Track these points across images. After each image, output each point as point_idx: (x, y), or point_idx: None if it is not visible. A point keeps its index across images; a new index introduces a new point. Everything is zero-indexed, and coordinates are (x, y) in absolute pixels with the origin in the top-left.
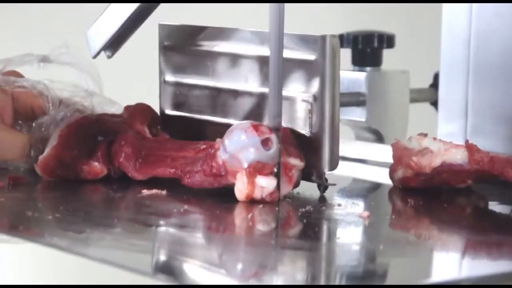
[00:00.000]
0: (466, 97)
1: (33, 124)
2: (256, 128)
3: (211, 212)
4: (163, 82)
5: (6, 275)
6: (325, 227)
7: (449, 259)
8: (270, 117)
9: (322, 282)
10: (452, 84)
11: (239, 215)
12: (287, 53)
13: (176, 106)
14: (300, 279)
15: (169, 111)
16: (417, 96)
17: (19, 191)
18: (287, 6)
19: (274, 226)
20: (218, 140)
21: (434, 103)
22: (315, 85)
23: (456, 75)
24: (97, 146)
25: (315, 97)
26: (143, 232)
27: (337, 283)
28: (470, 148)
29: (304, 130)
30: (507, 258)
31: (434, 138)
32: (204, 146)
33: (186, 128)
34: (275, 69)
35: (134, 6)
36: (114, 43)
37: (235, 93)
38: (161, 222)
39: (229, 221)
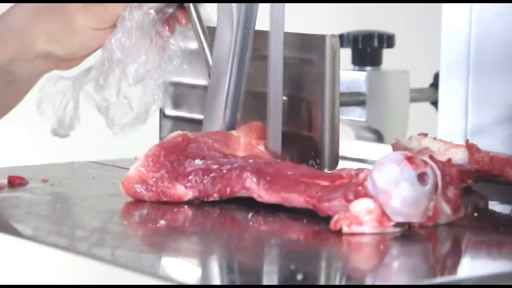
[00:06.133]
0: (466, 97)
1: None
2: (410, 160)
3: (211, 212)
4: None
5: (7, 275)
6: (324, 227)
7: (449, 259)
8: (270, 117)
9: (322, 282)
10: (452, 84)
11: (239, 215)
12: (287, 53)
13: (177, 106)
14: (300, 279)
15: (169, 111)
16: (417, 96)
17: (19, 191)
18: (287, 6)
19: (274, 226)
20: (364, 171)
21: (434, 103)
22: (315, 85)
23: (456, 75)
24: (192, 170)
25: (315, 97)
26: (143, 232)
27: (337, 283)
28: (470, 148)
29: (304, 130)
30: (507, 258)
31: (434, 138)
32: (341, 175)
33: (186, 128)
34: (275, 69)
35: None
36: None
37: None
38: (162, 222)
39: (229, 221)
